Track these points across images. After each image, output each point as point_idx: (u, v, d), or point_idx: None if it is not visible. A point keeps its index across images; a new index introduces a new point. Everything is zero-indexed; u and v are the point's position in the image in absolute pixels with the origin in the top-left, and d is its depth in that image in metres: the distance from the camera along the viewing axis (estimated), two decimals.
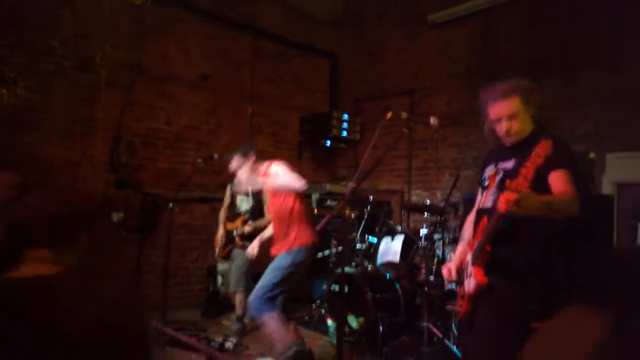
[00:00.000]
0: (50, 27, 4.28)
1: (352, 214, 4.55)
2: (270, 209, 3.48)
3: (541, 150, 1.65)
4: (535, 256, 1.91)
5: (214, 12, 5.42)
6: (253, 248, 3.55)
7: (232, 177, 4.46)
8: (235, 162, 3.46)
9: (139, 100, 4.85)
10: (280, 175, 3.18)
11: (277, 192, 3.24)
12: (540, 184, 1.78)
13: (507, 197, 1.60)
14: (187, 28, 5.24)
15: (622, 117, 4.06)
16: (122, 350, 1.03)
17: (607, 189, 4.07)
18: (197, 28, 5.33)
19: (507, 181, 1.69)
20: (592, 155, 3.44)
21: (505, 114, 1.97)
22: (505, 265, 1.92)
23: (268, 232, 3.55)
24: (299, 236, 3.18)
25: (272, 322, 3.03)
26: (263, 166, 3.38)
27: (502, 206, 1.63)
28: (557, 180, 1.84)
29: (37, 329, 0.98)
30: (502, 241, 1.91)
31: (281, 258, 3.16)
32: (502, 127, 2.00)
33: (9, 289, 1.08)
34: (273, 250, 3.28)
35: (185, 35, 5.23)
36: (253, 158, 3.45)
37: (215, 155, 4.20)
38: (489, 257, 1.94)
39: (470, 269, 2.02)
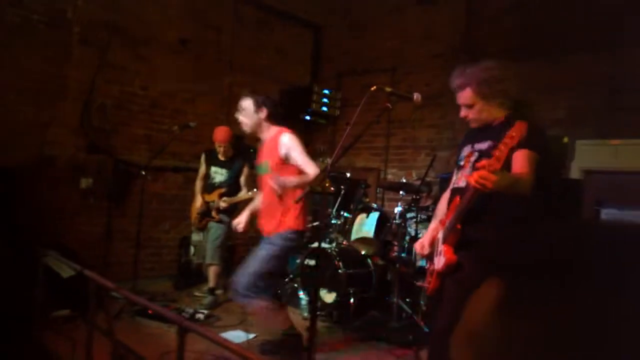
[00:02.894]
0: None
1: (332, 187, 4.57)
2: (266, 180, 2.94)
3: (515, 132, 1.67)
4: (503, 236, 1.96)
5: None
6: (239, 223, 3.13)
7: (209, 147, 4.39)
8: (245, 104, 2.99)
9: (113, 61, 4.65)
10: (294, 151, 2.85)
11: (285, 165, 2.86)
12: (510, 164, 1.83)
13: (480, 174, 1.62)
14: None
15: (592, 106, 4.17)
16: None
17: (575, 175, 4.20)
18: None
19: (481, 161, 1.74)
20: (566, 139, 3.53)
21: (462, 103, 2.07)
22: (475, 244, 1.96)
23: (256, 203, 3.20)
24: (296, 218, 2.88)
25: (262, 310, 2.86)
26: (271, 130, 3.00)
27: (474, 183, 1.66)
28: (519, 160, 1.87)
29: None
30: (472, 220, 1.95)
31: (274, 242, 2.86)
32: (461, 113, 2.10)
33: None
34: (263, 227, 2.96)
35: None
36: (265, 113, 2.98)
37: (192, 124, 4.09)
38: (460, 235, 1.98)
39: (440, 246, 2.06)
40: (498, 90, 2.00)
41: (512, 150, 1.69)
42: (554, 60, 4.39)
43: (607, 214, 3.53)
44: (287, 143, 2.85)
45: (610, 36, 4.02)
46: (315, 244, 4.06)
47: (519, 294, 0.40)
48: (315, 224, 4.71)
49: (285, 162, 2.85)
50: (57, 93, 4.30)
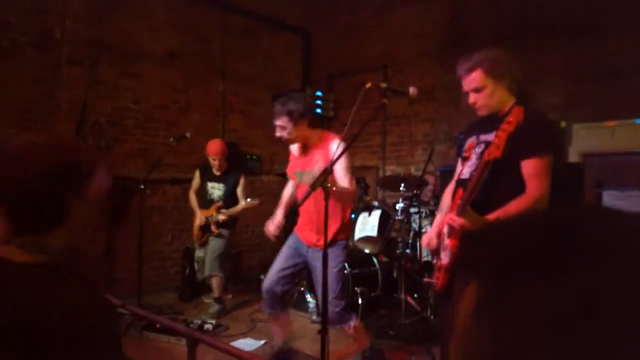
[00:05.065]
0: (5, 1, 4.00)
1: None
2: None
3: (512, 118, 1.65)
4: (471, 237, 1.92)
5: None
6: (271, 232, 2.89)
7: (203, 160, 4.37)
8: (281, 122, 2.67)
9: (104, 78, 4.64)
10: (340, 161, 2.50)
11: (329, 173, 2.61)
12: (512, 157, 1.77)
13: (454, 220, 1.73)
14: (153, 2, 5.01)
15: (587, 89, 4.18)
16: (88, 352, 0.86)
17: (574, 158, 4.20)
18: (164, 2, 5.10)
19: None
20: (563, 124, 3.53)
21: (470, 87, 1.99)
22: None
23: (280, 213, 2.98)
24: (343, 227, 2.76)
25: (355, 329, 2.79)
26: (317, 135, 2.74)
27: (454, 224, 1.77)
28: (529, 172, 1.84)
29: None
30: (477, 212, 1.92)
31: (332, 256, 2.59)
32: (469, 100, 2.03)
33: None
34: (308, 239, 2.79)
35: (151, 10, 4.99)
36: (307, 122, 2.70)
37: (188, 135, 4.09)
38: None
39: (446, 241, 2.02)
40: (506, 69, 1.98)
41: (510, 137, 1.65)
42: (544, 46, 4.40)
43: (608, 195, 3.52)
44: (334, 151, 2.54)
45: (599, 19, 4.03)
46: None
47: (488, 295, 0.38)
48: None
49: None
50: (49, 113, 4.28)
